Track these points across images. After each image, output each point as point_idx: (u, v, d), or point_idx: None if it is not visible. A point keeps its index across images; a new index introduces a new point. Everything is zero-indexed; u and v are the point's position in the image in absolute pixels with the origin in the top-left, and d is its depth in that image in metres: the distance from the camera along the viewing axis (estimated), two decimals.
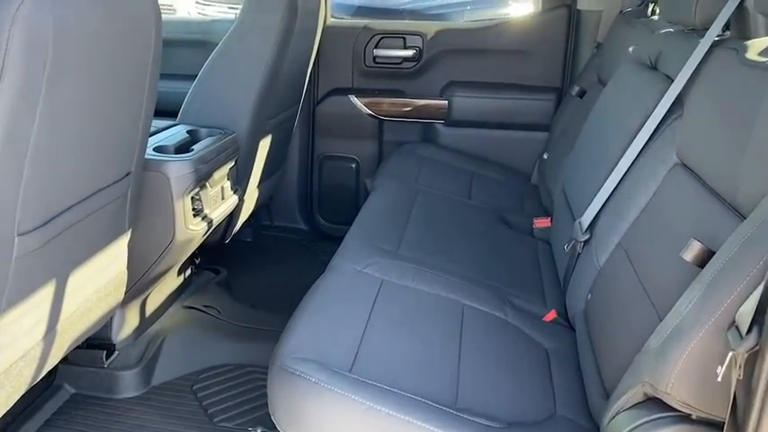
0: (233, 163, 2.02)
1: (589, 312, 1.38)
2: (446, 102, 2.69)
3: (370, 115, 2.75)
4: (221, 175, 1.92)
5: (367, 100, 2.75)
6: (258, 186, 2.39)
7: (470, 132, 2.70)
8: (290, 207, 2.90)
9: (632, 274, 1.24)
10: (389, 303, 1.41)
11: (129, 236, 1.61)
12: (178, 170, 1.69)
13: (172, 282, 2.06)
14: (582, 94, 2.40)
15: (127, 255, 1.63)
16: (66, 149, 1.23)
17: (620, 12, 2.38)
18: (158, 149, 1.77)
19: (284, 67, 2.19)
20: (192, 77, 2.15)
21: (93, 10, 1.20)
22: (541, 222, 2.03)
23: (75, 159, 1.28)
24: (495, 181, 2.48)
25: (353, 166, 2.85)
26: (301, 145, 2.81)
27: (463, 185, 2.32)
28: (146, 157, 1.63)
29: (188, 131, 1.95)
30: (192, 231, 1.77)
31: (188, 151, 1.80)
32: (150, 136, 1.87)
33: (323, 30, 2.62)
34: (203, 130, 1.99)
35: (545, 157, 2.48)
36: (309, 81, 2.66)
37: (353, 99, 2.75)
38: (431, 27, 2.73)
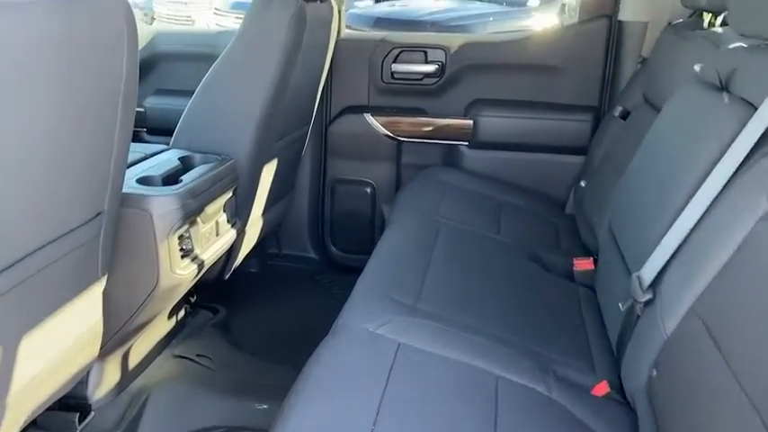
0: (231, 193, 1.78)
1: (654, 393, 1.12)
2: (471, 121, 2.44)
3: (388, 136, 2.51)
4: (216, 208, 1.69)
5: (384, 119, 2.51)
6: (262, 215, 2.15)
7: (497, 155, 2.44)
8: (299, 235, 2.66)
9: (715, 353, 0.97)
10: (407, 377, 1.16)
11: (103, 284, 1.38)
12: (162, 206, 1.46)
13: (160, 327, 1.83)
14: (625, 115, 2.14)
15: (102, 305, 1.40)
16: (12, 188, 1.01)
17: (669, 23, 2.11)
18: (142, 181, 1.54)
19: (292, 85, 1.96)
20: None
21: (40, 21, 0.97)
22: (583, 264, 1.77)
23: (25, 200, 1.05)
24: (525, 211, 2.21)
25: (369, 190, 2.61)
26: (312, 168, 2.58)
27: (490, 217, 2.07)
28: (125, 190, 1.40)
29: (180, 158, 1.72)
30: (179, 276, 1.54)
31: (177, 182, 1.57)
32: (137, 163, 1.66)
33: (336, 43, 2.39)
34: (198, 156, 1.76)
35: (582, 184, 2.21)
36: (321, 99, 2.43)
37: (369, 118, 2.51)
38: (454, 40, 2.49)
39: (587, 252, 1.93)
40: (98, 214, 1.27)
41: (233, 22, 7.92)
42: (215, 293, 2.16)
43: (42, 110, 1.03)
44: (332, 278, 2.57)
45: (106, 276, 1.38)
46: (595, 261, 1.80)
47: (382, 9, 7.51)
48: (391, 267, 1.57)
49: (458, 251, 1.72)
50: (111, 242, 1.35)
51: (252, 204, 1.97)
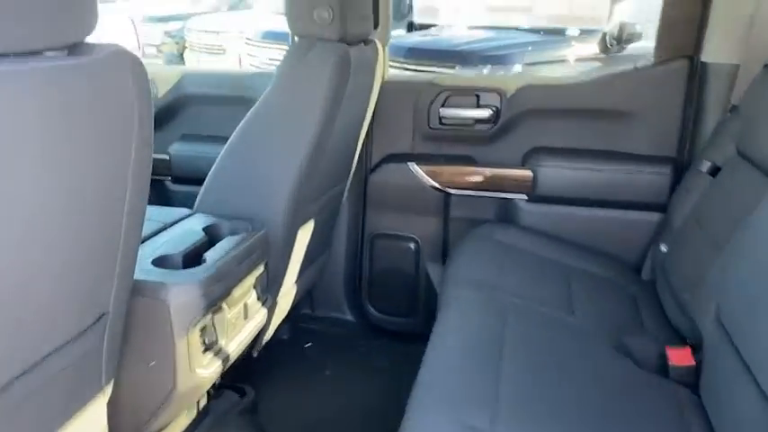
0: (262, 268, 1.54)
1: None
2: (530, 172, 2.17)
3: (434, 187, 2.25)
4: (244, 289, 1.44)
5: (430, 168, 2.25)
6: (296, 282, 1.90)
7: (560, 211, 2.16)
8: (335, 294, 2.40)
9: None
10: None
11: (108, 394, 1.13)
12: (181, 295, 1.22)
13: (178, 420, 1.57)
14: (714, 171, 1.85)
15: (107, 417, 1.15)
16: None
17: (766, 66, 1.83)
18: (159, 262, 1.30)
19: (332, 137, 1.72)
20: (227, 140, 1.71)
21: (13, 93, 0.74)
22: (680, 358, 1.47)
23: (5, 316, 0.82)
24: (597, 279, 1.93)
25: (412, 246, 2.35)
26: (350, 220, 2.33)
27: (560, 290, 1.78)
28: (137, 276, 1.16)
29: (205, 228, 1.48)
30: (201, 376, 1.29)
31: (200, 261, 1.33)
32: (154, 235, 1.42)
33: (380, 86, 2.15)
34: (225, 225, 1.52)
35: (663, 248, 1.92)
36: (361, 146, 2.19)
37: (414, 167, 2.26)
38: (511, 82, 2.23)
39: (678, 335, 1.63)
40: (101, 316, 1.03)
41: (267, 54, 7.82)
42: (241, 368, 1.90)
43: (27, 203, 0.79)
44: (371, 345, 2.31)
45: (112, 384, 1.14)
46: (692, 349, 1.51)
47: (415, 39, 7.30)
48: (455, 371, 1.29)
49: (532, 344, 1.44)
50: (118, 345, 1.11)
51: (285, 274, 1.72)
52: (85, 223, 0.92)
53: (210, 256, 1.33)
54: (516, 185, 2.19)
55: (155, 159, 2.56)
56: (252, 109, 1.63)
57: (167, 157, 2.41)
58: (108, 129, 0.90)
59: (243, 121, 1.63)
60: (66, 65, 0.81)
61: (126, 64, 0.90)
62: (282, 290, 1.76)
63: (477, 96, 2.22)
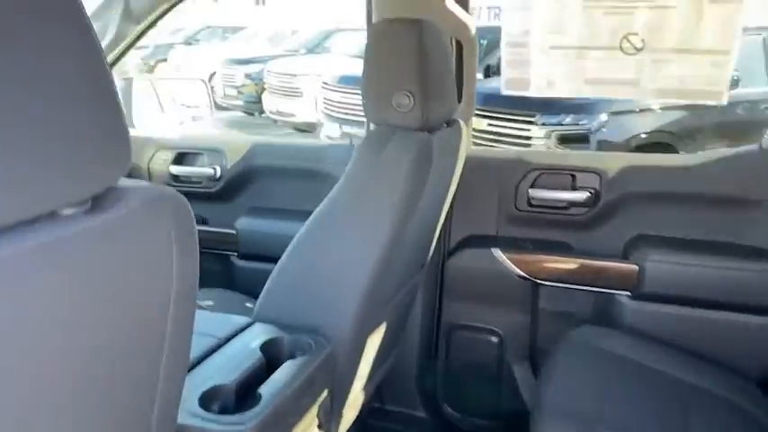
0: (325, 394, 1.34)
1: None
2: (635, 265, 1.89)
3: (521, 276, 2.01)
4: (305, 425, 1.24)
5: (516, 255, 2.02)
6: (364, 388, 1.70)
7: (670, 312, 1.87)
8: (407, 388, 2.18)
9: None
10: None
11: None
12: None
13: None
14: None
15: None
16: None
17: None
18: (208, 397, 1.12)
19: (410, 230, 1.52)
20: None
21: (33, 272, 0.57)
22: None
23: None
24: (718, 402, 1.62)
25: (495, 340, 2.11)
26: (425, 310, 2.11)
27: (676, 421, 1.50)
28: (182, 420, 0.98)
29: (263, 346, 1.30)
30: None
31: (254, 394, 1.15)
32: (205, 357, 1.25)
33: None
34: (285, 342, 1.33)
35: None
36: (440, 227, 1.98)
37: (498, 253, 2.03)
38: (612, 161, 1.98)
39: None
40: None
41: (341, 96, 7.82)
42: None
43: (50, 353, 0.62)
44: None
45: None
46: None
47: (493, 85, 7.08)
48: None
49: None
50: None
51: (351, 388, 1.52)
52: (114, 402, 0.75)
53: (266, 391, 1.15)
54: (618, 279, 1.92)
55: (221, 234, 2.39)
56: (320, 205, 1.45)
57: (234, 232, 2.28)
58: (140, 286, 0.73)
59: (310, 219, 1.46)
60: (88, 228, 0.64)
61: (166, 211, 0.73)
62: (348, 402, 1.55)
63: (573, 176, 1.98)
